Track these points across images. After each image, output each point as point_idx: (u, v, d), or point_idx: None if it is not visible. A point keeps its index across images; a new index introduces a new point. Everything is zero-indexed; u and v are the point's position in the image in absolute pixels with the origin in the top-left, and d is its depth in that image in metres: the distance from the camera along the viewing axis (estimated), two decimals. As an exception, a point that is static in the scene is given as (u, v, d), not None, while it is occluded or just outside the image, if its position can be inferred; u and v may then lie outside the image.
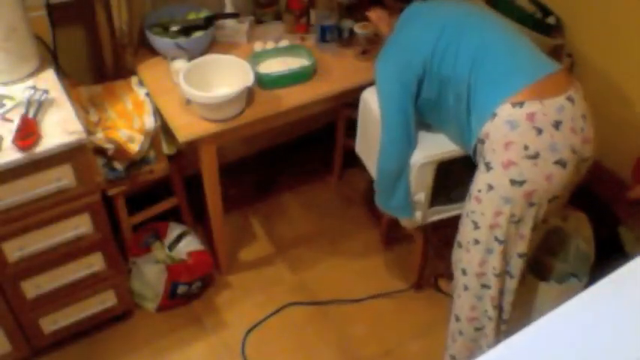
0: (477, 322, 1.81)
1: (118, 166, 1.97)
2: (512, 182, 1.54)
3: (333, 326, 2.21)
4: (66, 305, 1.95)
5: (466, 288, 1.77)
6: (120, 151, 1.92)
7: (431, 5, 1.81)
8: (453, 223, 1.84)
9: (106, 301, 2.03)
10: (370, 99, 1.98)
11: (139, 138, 1.94)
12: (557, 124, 1.51)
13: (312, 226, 2.59)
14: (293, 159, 2.86)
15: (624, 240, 2.16)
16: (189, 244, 2.25)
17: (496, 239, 1.63)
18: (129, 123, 1.96)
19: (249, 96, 1.97)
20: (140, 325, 2.18)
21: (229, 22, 2.22)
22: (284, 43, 2.23)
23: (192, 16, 2.17)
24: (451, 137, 1.85)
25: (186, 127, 1.88)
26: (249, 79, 1.90)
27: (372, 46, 2.24)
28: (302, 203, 2.69)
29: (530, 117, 1.50)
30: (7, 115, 1.67)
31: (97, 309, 2.01)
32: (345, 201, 2.72)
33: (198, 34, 2.10)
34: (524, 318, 2.11)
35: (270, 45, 2.21)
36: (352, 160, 2.84)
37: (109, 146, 1.90)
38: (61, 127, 1.65)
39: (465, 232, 1.71)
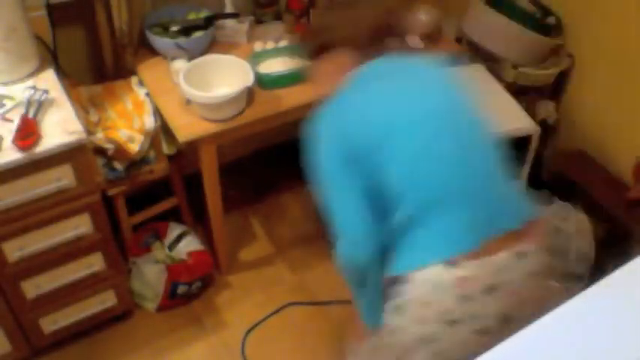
0: None
1: (118, 166, 1.97)
2: (422, 339, 1.30)
3: (333, 326, 2.21)
4: (66, 305, 1.95)
5: None
6: (120, 151, 1.92)
7: (402, 76, 1.38)
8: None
9: (106, 301, 2.03)
10: None
11: (139, 138, 1.94)
12: (490, 290, 1.25)
13: (312, 226, 2.59)
14: (293, 159, 2.85)
15: (624, 240, 2.17)
16: (189, 244, 2.25)
17: None
18: (129, 123, 1.96)
19: (249, 96, 1.97)
20: (140, 325, 2.18)
21: (229, 22, 2.22)
22: (284, 43, 2.23)
23: (192, 16, 2.17)
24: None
25: (186, 127, 1.88)
26: (249, 79, 1.90)
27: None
28: (302, 203, 2.69)
29: (461, 283, 1.24)
30: (7, 115, 1.67)
31: (97, 309, 2.01)
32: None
33: (198, 34, 2.10)
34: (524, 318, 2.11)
35: (270, 45, 2.21)
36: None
37: (109, 146, 1.90)
38: (61, 127, 1.65)
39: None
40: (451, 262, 1.23)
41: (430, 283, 1.25)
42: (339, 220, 1.34)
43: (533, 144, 2.19)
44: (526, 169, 2.27)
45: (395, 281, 1.32)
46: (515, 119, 2.23)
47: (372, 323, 1.41)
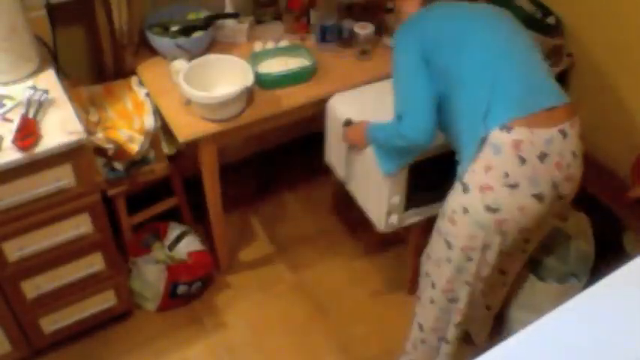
0: (440, 332, 1.82)
1: (118, 166, 1.97)
2: (487, 208, 1.50)
3: (333, 326, 2.21)
4: (66, 305, 1.95)
5: (432, 301, 1.77)
6: (120, 151, 1.92)
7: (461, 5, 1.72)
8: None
9: (106, 301, 2.03)
10: (337, 106, 1.98)
11: (139, 138, 1.94)
12: (542, 157, 1.46)
13: (312, 226, 2.59)
14: (293, 159, 2.86)
15: (626, 242, 2.17)
16: (189, 245, 2.25)
17: (469, 259, 1.61)
18: (129, 123, 1.96)
19: (249, 96, 1.97)
20: (140, 325, 2.18)
21: (229, 22, 2.22)
22: (284, 43, 2.23)
23: (192, 16, 2.17)
24: (449, 136, 1.73)
25: (187, 127, 1.88)
26: (249, 79, 1.90)
27: (372, 46, 2.24)
28: (302, 203, 2.69)
29: (517, 145, 1.45)
30: (7, 115, 1.67)
31: (97, 309, 2.01)
32: (345, 201, 2.72)
33: (198, 34, 2.10)
34: (525, 318, 2.11)
35: (270, 45, 2.21)
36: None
37: (109, 146, 1.90)
38: (61, 127, 1.65)
39: (438, 249, 1.68)
40: (507, 127, 1.44)
41: (491, 147, 1.46)
42: (410, 107, 1.60)
43: None
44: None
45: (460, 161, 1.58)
46: None
47: (389, 169, 1.80)
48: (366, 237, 2.55)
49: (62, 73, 1.97)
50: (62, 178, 1.67)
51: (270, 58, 2.15)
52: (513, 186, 1.46)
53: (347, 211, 2.67)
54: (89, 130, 1.86)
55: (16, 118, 1.64)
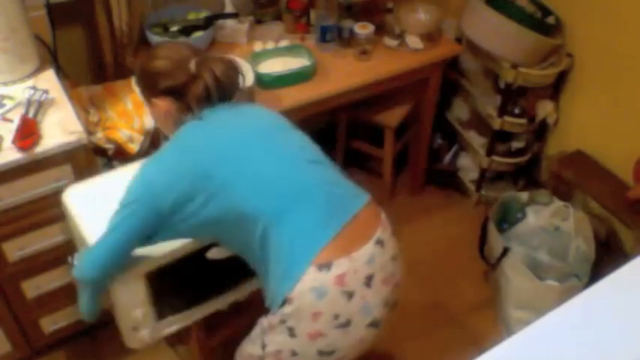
0: None
1: (118, 166, 1.97)
2: (321, 353, 1.30)
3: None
4: (66, 305, 1.95)
5: None
6: (120, 151, 1.92)
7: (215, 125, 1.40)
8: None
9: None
10: (70, 201, 1.58)
11: (139, 138, 1.94)
12: (369, 280, 1.28)
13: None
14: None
15: (626, 242, 2.17)
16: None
17: None
18: (129, 123, 1.96)
19: (249, 96, 1.97)
20: (140, 325, 2.17)
21: (229, 22, 2.22)
22: (284, 43, 2.23)
23: (192, 16, 2.17)
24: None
25: (186, 127, 1.88)
26: (249, 79, 1.90)
27: (372, 46, 2.24)
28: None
29: (340, 280, 1.25)
30: (7, 115, 1.67)
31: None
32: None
33: (198, 34, 2.10)
34: (525, 318, 2.11)
35: (270, 45, 2.21)
36: (353, 160, 2.84)
37: (109, 146, 1.90)
38: (61, 127, 1.65)
39: None
40: (324, 265, 1.24)
41: (312, 292, 1.24)
42: (106, 244, 1.35)
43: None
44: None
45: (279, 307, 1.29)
46: None
47: (90, 313, 1.48)
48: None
49: (62, 73, 1.97)
50: (62, 178, 1.67)
51: (270, 58, 2.15)
52: (346, 325, 1.28)
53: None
54: (89, 130, 1.86)
55: (16, 118, 1.64)
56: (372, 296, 1.30)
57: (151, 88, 1.45)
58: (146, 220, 1.32)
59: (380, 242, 1.31)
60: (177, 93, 1.41)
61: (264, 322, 1.37)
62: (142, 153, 1.96)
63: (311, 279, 1.24)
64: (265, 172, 1.31)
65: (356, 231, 1.29)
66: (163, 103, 1.43)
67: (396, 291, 1.38)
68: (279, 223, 1.27)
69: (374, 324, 1.32)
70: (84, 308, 1.48)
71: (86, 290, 1.45)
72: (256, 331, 1.41)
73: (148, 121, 1.97)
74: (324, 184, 1.34)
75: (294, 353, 1.32)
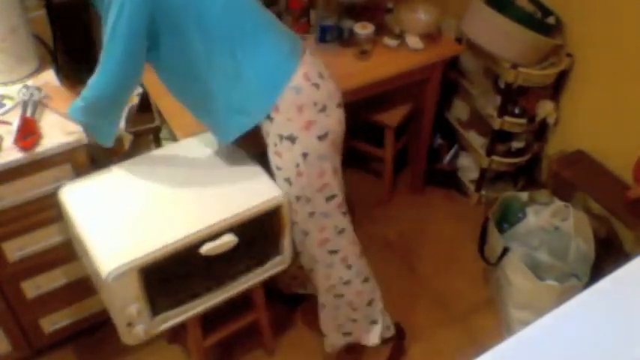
0: (336, 289, 1.84)
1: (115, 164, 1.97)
2: (319, 138, 1.60)
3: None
4: (66, 305, 1.95)
5: (316, 261, 1.78)
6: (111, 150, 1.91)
7: None
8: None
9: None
10: (67, 200, 1.61)
11: (128, 137, 1.94)
12: (321, 75, 1.62)
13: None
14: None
15: (626, 242, 2.17)
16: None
17: (328, 199, 1.68)
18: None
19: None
20: (140, 325, 2.17)
21: (229, 22, 2.22)
22: (284, 43, 2.23)
23: (192, 16, 2.16)
24: (191, 106, 1.69)
25: (187, 127, 1.87)
26: (249, 79, 1.90)
27: (372, 46, 2.24)
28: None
29: (306, 77, 1.57)
30: (7, 116, 1.67)
31: (97, 309, 2.01)
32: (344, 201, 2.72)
33: (198, 34, 2.09)
34: (525, 318, 2.11)
35: (270, 45, 2.21)
36: (352, 160, 2.84)
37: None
38: (60, 127, 1.65)
39: (300, 215, 1.69)
40: (307, 69, 1.58)
41: (291, 90, 1.55)
42: (110, 65, 1.46)
43: (284, 211, 1.69)
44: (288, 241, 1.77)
45: (264, 125, 1.61)
46: (259, 191, 1.67)
47: (109, 141, 1.63)
48: (363, 235, 2.54)
49: (62, 73, 1.97)
50: (62, 178, 1.67)
51: (270, 58, 2.15)
52: (323, 109, 1.60)
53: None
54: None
55: (15, 118, 1.64)
56: (330, 85, 1.63)
57: None
58: (139, 17, 1.41)
59: (311, 53, 1.64)
60: None
61: (272, 160, 1.65)
62: (131, 151, 1.95)
63: (291, 82, 1.55)
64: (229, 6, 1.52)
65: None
66: None
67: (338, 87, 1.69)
68: (255, 52, 1.54)
69: (339, 105, 1.66)
70: (103, 136, 1.61)
71: (104, 115, 1.57)
72: (276, 175, 1.67)
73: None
74: (277, 23, 1.64)
75: (305, 155, 1.60)
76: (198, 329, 1.82)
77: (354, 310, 1.88)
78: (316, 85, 1.59)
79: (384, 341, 1.98)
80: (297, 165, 1.61)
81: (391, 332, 1.99)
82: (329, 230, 1.73)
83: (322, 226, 1.71)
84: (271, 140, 1.62)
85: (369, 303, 1.89)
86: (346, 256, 1.78)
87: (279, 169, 1.65)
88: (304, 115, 1.57)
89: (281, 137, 1.59)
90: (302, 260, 1.81)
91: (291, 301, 2.25)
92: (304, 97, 1.57)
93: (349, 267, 1.80)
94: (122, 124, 1.93)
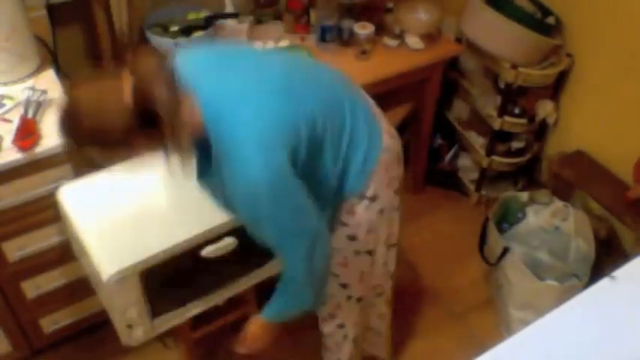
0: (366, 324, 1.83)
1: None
2: (395, 192, 1.54)
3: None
4: (66, 305, 1.95)
5: (360, 306, 1.71)
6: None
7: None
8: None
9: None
10: (65, 199, 1.58)
11: None
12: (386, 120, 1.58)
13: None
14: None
15: (626, 242, 2.17)
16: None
17: (389, 247, 1.63)
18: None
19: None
20: (140, 325, 2.17)
21: (229, 22, 2.22)
22: (284, 43, 2.23)
23: (192, 16, 2.17)
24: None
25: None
26: (249, 79, 1.90)
27: (371, 46, 2.24)
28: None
29: (388, 133, 1.52)
30: (7, 116, 1.67)
31: (97, 309, 2.01)
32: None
33: (198, 34, 2.10)
34: (525, 318, 2.11)
35: (270, 45, 2.21)
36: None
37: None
38: (61, 127, 1.65)
39: (355, 268, 1.60)
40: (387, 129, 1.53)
41: (385, 152, 1.47)
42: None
43: None
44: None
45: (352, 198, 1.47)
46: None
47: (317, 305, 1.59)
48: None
49: (62, 73, 1.97)
50: (62, 178, 1.67)
51: (270, 58, 2.15)
52: (400, 159, 1.56)
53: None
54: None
55: (15, 118, 1.64)
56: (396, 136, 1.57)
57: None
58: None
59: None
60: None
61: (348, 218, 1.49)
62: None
63: (383, 143, 1.47)
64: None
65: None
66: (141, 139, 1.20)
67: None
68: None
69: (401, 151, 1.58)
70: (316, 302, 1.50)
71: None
72: (338, 236, 1.51)
73: None
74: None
75: (381, 211, 1.50)
76: (188, 324, 1.82)
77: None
78: (394, 136, 1.53)
79: None
80: (371, 222, 1.50)
81: None
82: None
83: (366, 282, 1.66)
84: (346, 198, 1.47)
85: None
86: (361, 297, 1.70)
87: (344, 225, 1.50)
88: (389, 173, 1.49)
89: (362, 197, 1.46)
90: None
91: None
92: (391, 155, 1.49)
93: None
94: None
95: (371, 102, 1.57)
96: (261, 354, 1.59)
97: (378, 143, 1.45)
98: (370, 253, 1.58)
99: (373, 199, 1.47)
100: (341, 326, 1.76)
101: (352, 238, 1.52)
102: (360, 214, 1.48)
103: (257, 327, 1.51)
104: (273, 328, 1.51)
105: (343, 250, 1.54)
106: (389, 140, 1.49)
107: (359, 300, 1.69)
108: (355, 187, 1.44)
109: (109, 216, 1.55)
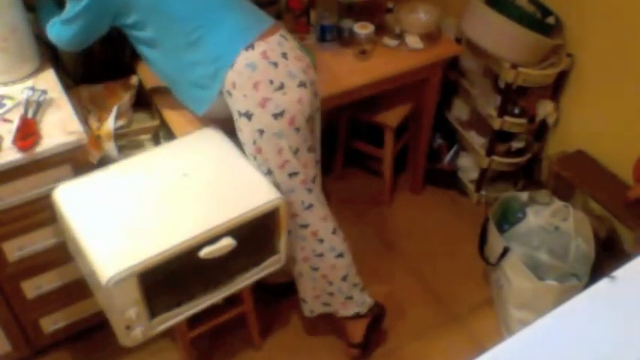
0: (311, 261, 1.90)
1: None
2: (275, 116, 1.65)
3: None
4: (66, 305, 1.95)
5: (289, 232, 1.82)
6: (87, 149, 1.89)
7: None
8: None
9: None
10: (61, 200, 1.60)
11: (107, 139, 1.93)
12: (284, 55, 1.67)
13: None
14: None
15: (626, 242, 2.17)
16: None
17: (290, 175, 1.73)
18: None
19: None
20: (140, 325, 2.17)
21: (229, 22, 2.22)
22: (284, 43, 2.23)
23: (192, 16, 2.16)
24: (167, 82, 1.83)
25: (187, 127, 1.88)
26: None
27: (371, 45, 2.24)
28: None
29: (264, 55, 1.64)
30: (7, 116, 1.67)
31: (97, 309, 2.01)
32: (345, 201, 2.72)
33: (198, 34, 2.09)
34: (525, 318, 2.11)
35: (270, 45, 2.21)
36: (353, 160, 2.85)
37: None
38: (60, 127, 1.65)
39: None
40: (249, 46, 1.64)
41: (247, 67, 1.63)
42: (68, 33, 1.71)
43: (282, 213, 1.69)
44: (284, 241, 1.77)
45: (226, 98, 1.69)
46: (256, 194, 1.65)
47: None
48: (361, 234, 2.54)
49: (62, 73, 1.97)
50: (62, 178, 1.67)
51: (270, 58, 2.15)
52: (281, 87, 1.65)
53: (345, 210, 2.67)
54: (89, 130, 1.86)
55: (15, 118, 1.64)
56: (292, 65, 1.68)
57: None
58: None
59: (284, 36, 1.72)
60: None
61: (241, 136, 1.71)
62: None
63: (243, 59, 1.63)
64: None
65: (267, 32, 1.70)
66: None
67: (310, 70, 1.75)
68: (212, 29, 1.65)
69: (302, 84, 1.69)
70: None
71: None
72: (245, 149, 1.73)
73: (109, 123, 1.94)
74: (249, 5, 1.78)
75: (261, 132, 1.66)
76: (185, 322, 1.82)
77: (329, 283, 1.92)
78: (274, 64, 1.64)
79: (360, 316, 2.00)
80: (255, 141, 1.68)
81: (366, 309, 2.00)
82: (296, 205, 1.78)
83: (289, 200, 1.76)
84: (234, 116, 1.71)
85: (344, 278, 1.92)
86: (317, 231, 1.83)
87: (243, 144, 1.73)
88: (260, 93, 1.63)
89: (239, 113, 1.67)
90: None
91: (278, 293, 2.27)
92: (259, 75, 1.63)
93: (321, 241, 1.85)
94: (111, 123, 1.93)
95: (270, 24, 1.74)
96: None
97: (234, 52, 1.63)
98: (270, 173, 1.72)
99: (247, 115, 1.65)
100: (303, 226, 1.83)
101: (252, 156, 1.72)
102: (243, 130, 1.70)
103: None
104: None
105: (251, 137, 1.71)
106: (260, 61, 1.63)
107: (291, 190, 1.77)
108: (210, 78, 1.68)
109: (106, 217, 1.55)
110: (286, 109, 1.65)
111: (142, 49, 1.76)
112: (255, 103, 1.64)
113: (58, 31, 1.73)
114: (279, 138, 1.67)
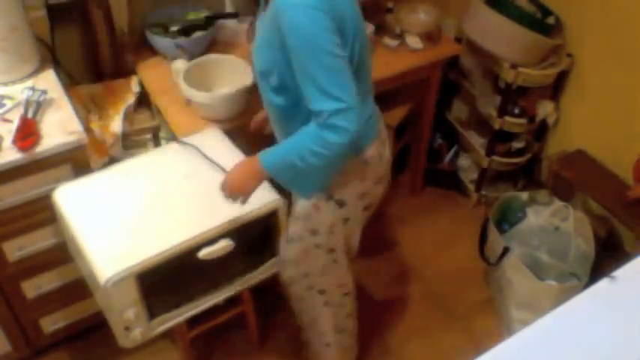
0: (338, 327, 1.88)
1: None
2: (365, 208, 1.61)
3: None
4: (66, 305, 1.95)
5: (327, 304, 1.80)
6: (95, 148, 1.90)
7: None
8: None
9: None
10: (61, 201, 1.60)
11: (110, 140, 1.93)
12: (383, 143, 1.59)
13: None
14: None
15: (626, 242, 2.17)
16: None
17: (337, 251, 1.68)
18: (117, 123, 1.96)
19: (249, 96, 1.97)
20: (140, 325, 2.17)
21: (229, 22, 2.22)
22: (284, 43, 2.22)
23: (192, 16, 2.17)
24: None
25: (187, 127, 1.88)
26: (249, 79, 1.90)
27: (372, 46, 2.24)
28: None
29: (378, 151, 1.55)
30: (7, 116, 1.67)
31: (97, 309, 2.01)
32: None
33: (198, 34, 2.10)
34: (525, 318, 2.11)
35: (270, 45, 2.21)
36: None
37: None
38: (60, 127, 1.65)
39: (316, 261, 1.69)
40: (381, 140, 1.56)
41: (362, 162, 1.52)
42: (334, 89, 1.27)
43: (281, 215, 1.67)
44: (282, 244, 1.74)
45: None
46: (256, 195, 1.58)
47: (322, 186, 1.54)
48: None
49: (62, 73, 1.97)
50: (62, 178, 1.67)
51: (270, 58, 2.15)
52: (380, 181, 1.60)
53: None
54: (89, 130, 1.86)
55: (15, 118, 1.64)
56: (387, 154, 1.60)
57: None
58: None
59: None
60: None
61: (305, 208, 1.57)
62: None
63: (366, 152, 1.51)
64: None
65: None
66: None
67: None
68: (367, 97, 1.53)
69: (386, 178, 1.63)
70: (324, 180, 1.53)
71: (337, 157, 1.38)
72: (297, 226, 1.62)
73: (117, 125, 1.95)
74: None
75: (345, 221, 1.59)
76: (184, 322, 1.82)
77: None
78: (380, 157, 1.56)
79: None
80: (333, 225, 1.59)
81: None
82: (347, 277, 1.78)
83: (343, 273, 1.75)
84: (314, 193, 1.55)
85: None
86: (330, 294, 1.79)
87: (307, 218, 1.59)
88: (363, 185, 1.55)
89: (330, 197, 1.54)
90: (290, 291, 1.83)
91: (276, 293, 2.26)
92: (370, 172, 1.55)
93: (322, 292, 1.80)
94: (119, 124, 1.93)
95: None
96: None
97: (363, 143, 1.50)
98: (330, 251, 1.66)
99: (340, 203, 1.54)
100: (321, 293, 1.78)
101: (313, 231, 1.61)
102: (324, 212, 1.56)
103: (245, 165, 1.51)
104: (257, 173, 1.48)
105: (305, 244, 1.63)
106: (373, 159, 1.53)
107: (321, 292, 1.75)
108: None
109: (106, 218, 1.55)
110: (374, 202, 1.63)
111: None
112: (356, 194, 1.55)
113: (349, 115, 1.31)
114: (357, 226, 1.66)
